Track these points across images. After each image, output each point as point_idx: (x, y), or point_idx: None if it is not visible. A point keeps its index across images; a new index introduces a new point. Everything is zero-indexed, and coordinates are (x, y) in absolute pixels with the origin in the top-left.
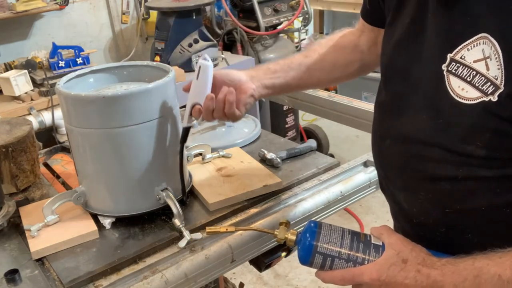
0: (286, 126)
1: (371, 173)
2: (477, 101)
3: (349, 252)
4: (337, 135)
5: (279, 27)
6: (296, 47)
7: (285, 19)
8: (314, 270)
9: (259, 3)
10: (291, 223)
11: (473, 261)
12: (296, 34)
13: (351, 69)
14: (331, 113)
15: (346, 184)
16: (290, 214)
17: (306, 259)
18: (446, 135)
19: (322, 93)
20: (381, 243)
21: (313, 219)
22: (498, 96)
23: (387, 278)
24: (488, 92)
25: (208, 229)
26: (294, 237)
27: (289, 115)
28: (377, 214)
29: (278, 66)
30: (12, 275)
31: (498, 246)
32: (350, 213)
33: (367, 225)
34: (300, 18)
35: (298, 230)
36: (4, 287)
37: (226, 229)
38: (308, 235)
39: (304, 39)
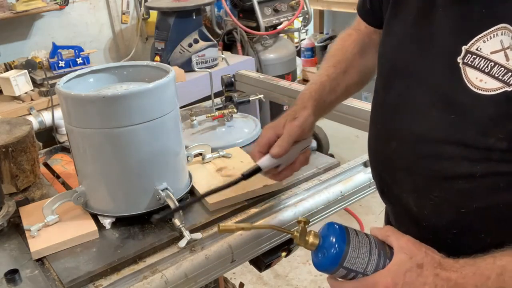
0: None
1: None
2: (499, 91)
3: (374, 269)
4: (337, 135)
5: (279, 27)
6: (296, 47)
7: (285, 19)
8: (314, 270)
9: (259, 3)
10: (291, 223)
11: (494, 260)
12: (296, 34)
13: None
14: (331, 113)
15: (346, 184)
16: (290, 214)
17: (328, 269)
18: (463, 130)
19: None
20: (390, 247)
21: (313, 218)
22: None
23: (404, 286)
24: (510, 82)
25: (221, 226)
26: (317, 242)
27: None
28: (377, 214)
29: (333, 96)
30: (12, 275)
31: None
32: (350, 213)
33: (367, 225)
34: (300, 18)
35: (320, 233)
36: (4, 287)
37: (242, 228)
38: (336, 244)
39: (304, 39)
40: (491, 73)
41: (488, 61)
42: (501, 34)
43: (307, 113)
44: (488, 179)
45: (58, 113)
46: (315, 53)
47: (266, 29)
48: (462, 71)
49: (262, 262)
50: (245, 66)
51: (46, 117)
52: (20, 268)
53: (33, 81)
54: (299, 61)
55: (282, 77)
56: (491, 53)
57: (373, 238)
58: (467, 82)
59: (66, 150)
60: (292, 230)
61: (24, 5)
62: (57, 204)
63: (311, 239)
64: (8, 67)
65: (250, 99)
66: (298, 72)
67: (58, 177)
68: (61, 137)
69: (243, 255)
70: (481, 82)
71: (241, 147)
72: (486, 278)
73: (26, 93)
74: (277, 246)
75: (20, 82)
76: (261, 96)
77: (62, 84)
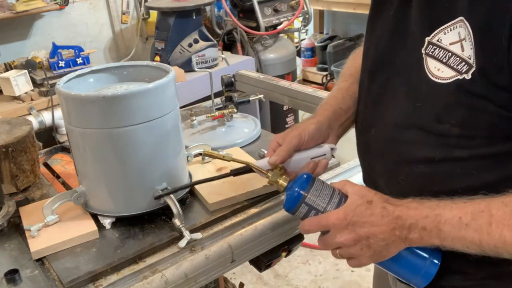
0: (286, 126)
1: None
2: (452, 79)
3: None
4: None
5: (279, 27)
6: (296, 47)
7: (285, 19)
8: (314, 270)
9: (259, 3)
10: (289, 222)
11: (438, 202)
12: (296, 34)
13: None
14: None
15: None
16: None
17: (292, 206)
18: (423, 116)
19: (322, 93)
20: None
21: None
22: (472, 74)
23: (354, 217)
24: (463, 71)
25: (206, 151)
26: (285, 183)
27: (289, 115)
28: None
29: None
30: (12, 275)
31: None
32: None
33: None
34: (300, 18)
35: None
36: (4, 287)
37: (223, 156)
38: (299, 182)
39: (304, 39)
40: (448, 62)
41: (447, 52)
42: (459, 27)
43: (309, 122)
44: (446, 164)
45: (58, 113)
46: (315, 53)
47: (266, 29)
48: (424, 61)
49: (262, 262)
50: (245, 66)
51: (46, 117)
52: (20, 268)
53: (33, 81)
54: (299, 61)
55: (282, 77)
56: (450, 44)
57: (337, 189)
58: (427, 72)
59: (66, 150)
60: (267, 171)
61: (24, 5)
62: (57, 204)
63: (281, 181)
64: (8, 67)
65: (250, 99)
66: (298, 72)
67: (58, 177)
68: (61, 137)
69: (243, 255)
70: (438, 71)
71: (241, 147)
72: (425, 215)
73: (26, 93)
74: (277, 246)
75: (20, 82)
76: (261, 96)
77: (62, 84)
